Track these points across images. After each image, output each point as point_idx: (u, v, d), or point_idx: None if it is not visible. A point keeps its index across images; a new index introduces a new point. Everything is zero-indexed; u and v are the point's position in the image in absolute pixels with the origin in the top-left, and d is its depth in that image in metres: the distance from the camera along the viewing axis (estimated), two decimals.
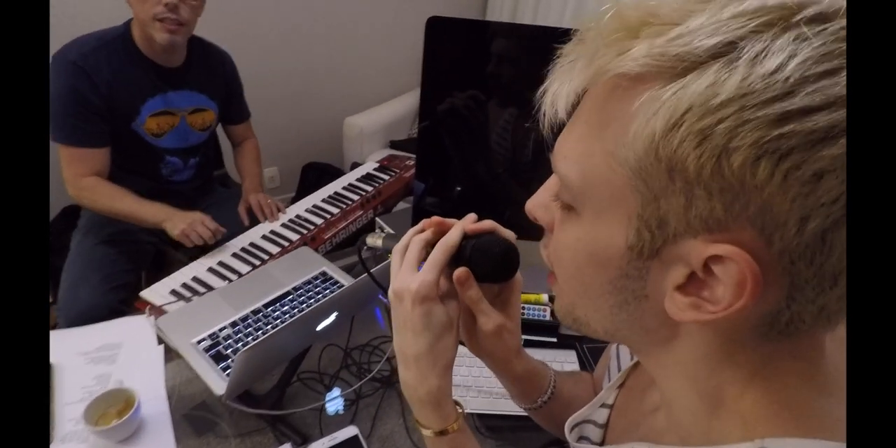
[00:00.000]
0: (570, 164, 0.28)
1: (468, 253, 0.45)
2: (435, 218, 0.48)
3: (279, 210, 1.30)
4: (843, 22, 0.20)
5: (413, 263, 0.45)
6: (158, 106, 1.17)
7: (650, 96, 0.23)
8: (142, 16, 1.05)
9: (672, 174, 0.23)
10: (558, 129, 0.29)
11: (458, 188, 1.00)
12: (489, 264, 0.44)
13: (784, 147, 0.20)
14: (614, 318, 0.30)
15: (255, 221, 1.27)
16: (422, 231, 0.47)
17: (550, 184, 0.35)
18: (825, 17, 0.21)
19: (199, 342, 0.82)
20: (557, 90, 0.27)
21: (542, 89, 0.28)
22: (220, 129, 1.42)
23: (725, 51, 0.21)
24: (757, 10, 0.21)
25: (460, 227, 0.46)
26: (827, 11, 0.21)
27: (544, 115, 0.28)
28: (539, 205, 0.35)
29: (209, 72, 1.26)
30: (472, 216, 0.47)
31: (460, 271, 0.44)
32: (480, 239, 0.45)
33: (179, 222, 1.08)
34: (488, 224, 0.46)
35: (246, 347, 0.59)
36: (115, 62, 1.10)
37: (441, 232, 0.46)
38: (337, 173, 1.94)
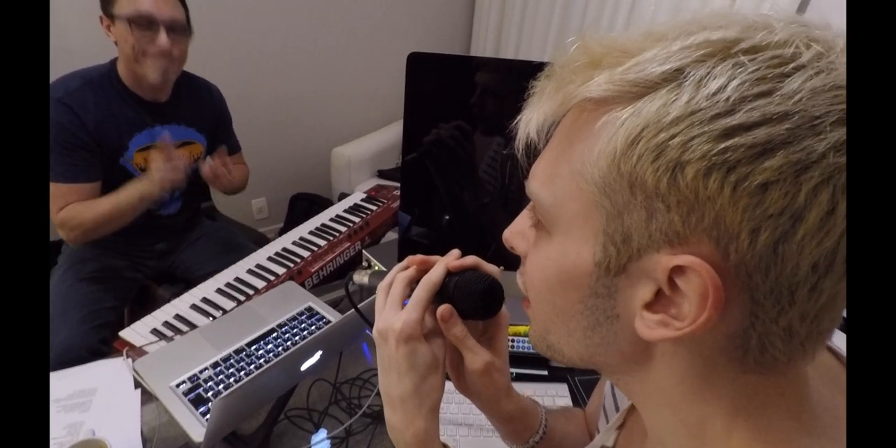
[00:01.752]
0: (542, 184, 0.30)
1: (451, 290, 0.44)
2: (418, 256, 0.48)
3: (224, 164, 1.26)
4: (774, 52, 0.23)
5: (397, 302, 0.45)
6: (146, 140, 1.17)
7: (611, 117, 0.25)
8: (130, 54, 1.06)
9: (633, 189, 0.25)
10: (534, 154, 0.31)
11: (447, 217, 1.00)
12: (472, 301, 0.44)
13: (731, 159, 0.22)
14: (588, 341, 0.31)
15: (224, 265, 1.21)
16: (406, 268, 0.47)
17: (525, 212, 0.36)
18: (757, 49, 0.23)
19: (178, 385, 0.79)
20: (530, 115, 0.29)
21: (518, 118, 0.31)
22: None
23: (674, 76, 0.24)
24: (701, 44, 0.24)
25: (443, 264, 0.46)
26: (759, 44, 0.23)
27: (519, 140, 0.30)
28: (516, 233, 0.36)
29: (197, 105, 1.26)
30: (455, 252, 0.48)
31: (443, 308, 0.44)
32: (463, 276, 0.45)
33: (157, 174, 1.09)
34: (471, 260, 0.46)
35: (222, 394, 0.56)
36: (101, 99, 1.10)
37: (425, 269, 0.46)
38: (325, 203, 1.94)
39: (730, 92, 0.22)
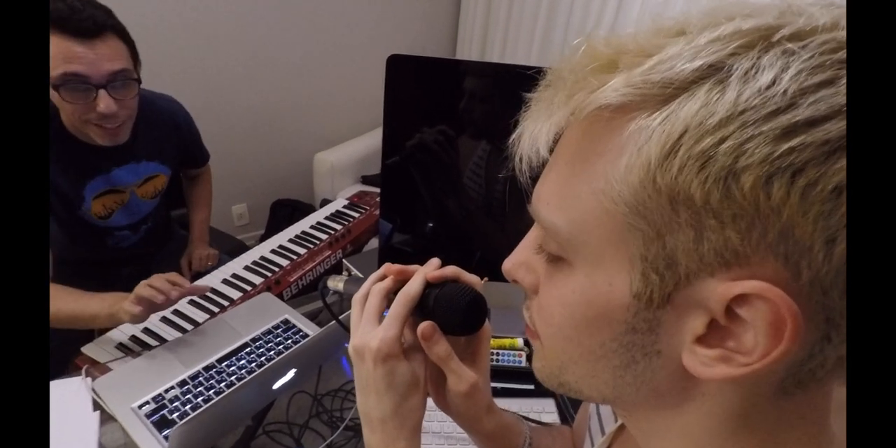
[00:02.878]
0: (554, 209, 0.26)
1: (432, 304, 0.41)
2: (395, 265, 0.45)
3: (210, 262, 1.26)
4: (825, 36, 0.20)
5: (373, 316, 0.42)
6: (100, 186, 1.01)
7: (638, 125, 0.22)
8: (75, 122, 0.89)
9: (675, 205, 0.21)
10: (538, 172, 0.27)
11: (430, 224, 0.96)
12: (455, 316, 0.41)
13: (797, 162, 0.19)
14: (617, 382, 0.27)
15: (196, 276, 1.19)
16: (382, 278, 0.44)
17: (530, 240, 0.31)
18: (803, 34, 0.20)
19: (142, 406, 0.74)
20: (536, 130, 0.25)
21: (516, 134, 0.27)
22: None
23: (711, 72, 0.20)
24: (734, 34, 0.21)
25: (421, 275, 0.43)
26: (804, 29, 0.20)
27: (521, 160, 0.27)
28: (519, 264, 0.31)
29: (158, 135, 1.09)
30: (434, 262, 0.45)
31: (425, 326, 0.41)
32: (444, 288, 0.42)
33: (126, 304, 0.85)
34: (451, 271, 0.43)
35: (179, 423, 0.52)
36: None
37: (403, 280, 0.43)
38: (307, 210, 1.89)
39: (786, 84, 0.19)
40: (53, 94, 0.82)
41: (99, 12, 0.82)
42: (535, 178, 0.28)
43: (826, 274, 0.20)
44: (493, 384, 0.82)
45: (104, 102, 0.84)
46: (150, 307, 0.84)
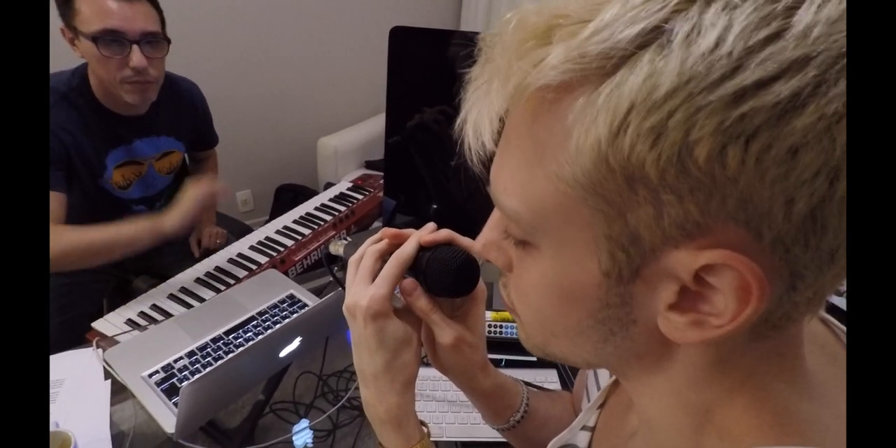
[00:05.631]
0: (513, 196, 0.25)
1: (424, 266, 0.42)
2: (391, 229, 0.45)
3: (219, 239, 1.29)
4: None
5: (366, 276, 0.42)
6: (122, 157, 1.08)
7: (582, 103, 0.20)
8: (107, 78, 0.95)
9: (631, 183, 0.20)
10: (489, 160, 0.26)
11: (434, 206, 0.97)
12: (447, 278, 0.42)
13: (749, 127, 0.18)
14: (598, 352, 0.28)
15: (206, 253, 1.21)
16: (379, 241, 0.45)
17: (494, 220, 0.32)
18: None
19: (151, 375, 0.76)
20: (478, 119, 0.24)
21: (460, 120, 0.26)
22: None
23: (652, 37, 0.19)
24: None
25: (415, 238, 0.44)
26: None
27: (470, 148, 0.25)
28: (489, 244, 0.32)
29: (177, 113, 1.16)
30: (430, 226, 0.45)
31: (406, 282, 0.42)
32: (436, 251, 0.43)
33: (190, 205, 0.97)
34: (444, 234, 0.44)
35: (192, 379, 0.53)
36: (74, 117, 0.98)
37: (397, 243, 0.44)
38: (311, 195, 1.89)
39: (730, 45, 0.18)
40: (89, 53, 0.91)
41: None
42: (485, 164, 0.27)
43: (787, 232, 0.20)
44: (496, 356, 0.83)
45: (137, 57, 0.91)
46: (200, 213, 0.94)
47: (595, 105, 0.20)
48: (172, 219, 0.95)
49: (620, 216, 0.22)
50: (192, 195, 0.99)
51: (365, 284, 0.42)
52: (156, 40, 0.94)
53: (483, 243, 0.32)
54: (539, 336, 0.30)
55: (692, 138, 0.19)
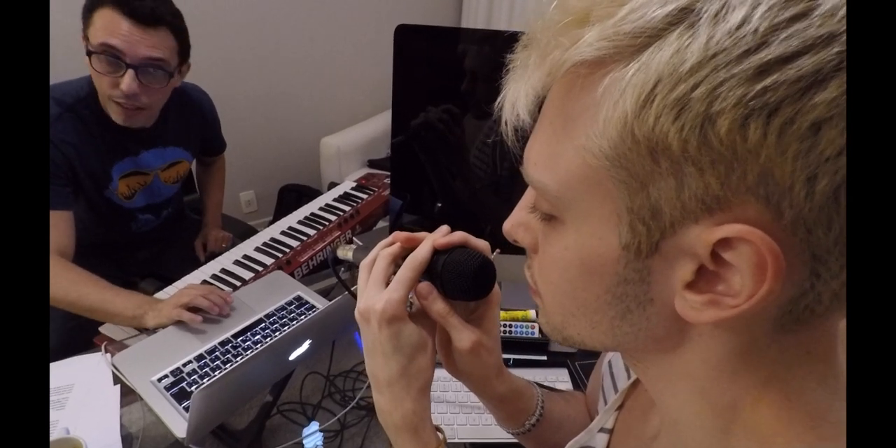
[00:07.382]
0: (542, 169, 0.26)
1: (440, 269, 0.42)
2: (404, 232, 0.45)
3: (224, 243, 1.28)
4: None
5: (379, 280, 0.42)
6: (128, 168, 1.06)
7: (612, 78, 0.21)
8: (100, 92, 0.92)
9: (655, 155, 0.21)
10: (524, 137, 0.27)
11: (439, 204, 0.96)
12: (464, 281, 0.41)
13: (772, 101, 0.19)
14: (616, 331, 0.28)
15: (211, 257, 1.20)
16: (391, 244, 0.45)
17: (526, 200, 0.32)
18: None
19: (160, 379, 0.75)
20: (515, 94, 0.26)
21: (499, 99, 0.27)
22: None
23: (681, 17, 0.20)
24: None
25: (430, 241, 0.43)
26: None
27: (507, 124, 0.27)
28: (517, 224, 0.32)
29: (186, 123, 1.14)
30: (444, 228, 0.45)
31: (422, 285, 0.42)
32: (452, 254, 0.42)
33: (165, 309, 0.86)
34: (459, 236, 0.43)
35: (202, 385, 0.53)
36: (80, 129, 0.96)
37: (410, 247, 0.43)
38: (315, 195, 1.89)
39: (756, 22, 0.18)
40: (91, 58, 0.86)
41: (163, 7, 0.86)
42: (521, 141, 0.28)
43: (809, 212, 0.20)
44: (507, 355, 0.82)
45: (127, 81, 0.86)
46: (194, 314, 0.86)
47: (624, 79, 0.21)
48: (157, 319, 0.86)
49: (643, 188, 0.22)
50: (200, 301, 0.87)
51: (379, 288, 0.41)
52: (157, 68, 0.89)
53: (512, 224, 0.33)
54: (558, 316, 0.30)
55: (714, 110, 0.19)
